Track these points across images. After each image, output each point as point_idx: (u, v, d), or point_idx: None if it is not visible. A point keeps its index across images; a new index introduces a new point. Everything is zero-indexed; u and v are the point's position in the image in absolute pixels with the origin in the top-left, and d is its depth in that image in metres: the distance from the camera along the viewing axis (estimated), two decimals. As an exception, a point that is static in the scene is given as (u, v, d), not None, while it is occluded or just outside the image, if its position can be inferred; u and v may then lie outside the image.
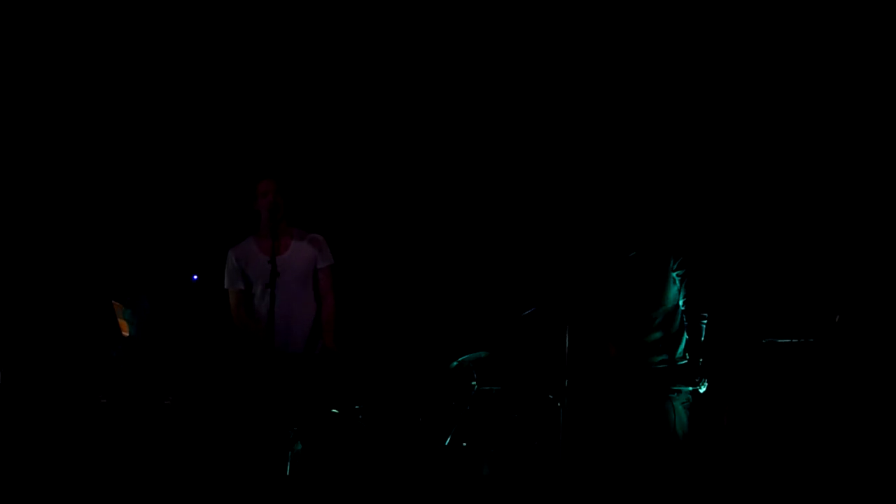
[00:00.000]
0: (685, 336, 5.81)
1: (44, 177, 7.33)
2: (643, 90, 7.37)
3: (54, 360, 6.19)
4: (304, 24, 7.47)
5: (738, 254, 7.08)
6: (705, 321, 5.74)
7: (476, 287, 7.60)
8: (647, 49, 7.29)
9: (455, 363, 6.73)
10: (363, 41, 7.51)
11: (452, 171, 7.68)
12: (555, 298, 6.58)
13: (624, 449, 5.74)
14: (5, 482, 5.74)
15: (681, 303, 5.79)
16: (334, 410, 6.11)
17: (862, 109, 6.97)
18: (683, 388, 5.74)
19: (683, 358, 5.79)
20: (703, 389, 5.72)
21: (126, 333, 6.25)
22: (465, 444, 6.44)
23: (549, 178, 7.56)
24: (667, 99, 7.33)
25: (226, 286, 6.32)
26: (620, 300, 5.91)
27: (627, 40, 7.29)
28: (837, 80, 7.01)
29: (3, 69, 7.22)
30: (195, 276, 7.21)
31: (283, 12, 7.44)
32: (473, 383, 6.75)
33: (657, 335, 5.79)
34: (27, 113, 7.30)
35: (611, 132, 7.45)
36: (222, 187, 7.45)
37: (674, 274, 5.81)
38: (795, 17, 7.01)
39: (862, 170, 6.96)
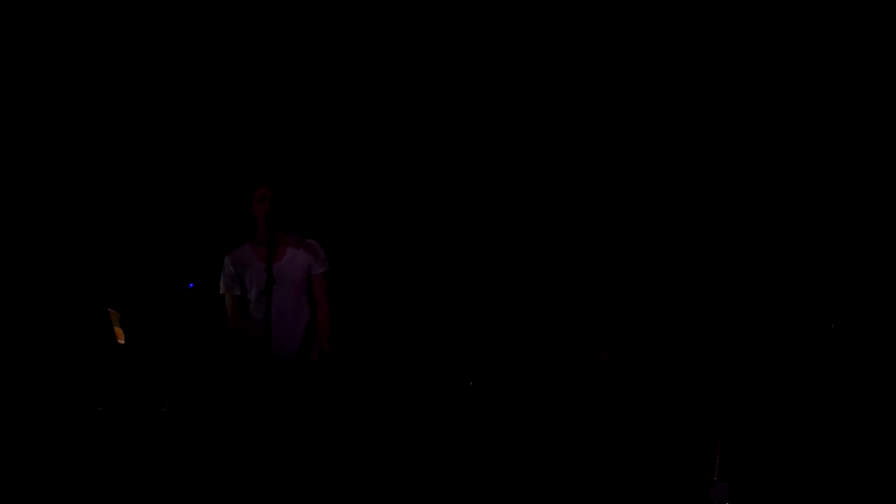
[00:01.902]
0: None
1: (38, 183, 7.32)
2: (643, 87, 7.36)
3: (50, 368, 6.19)
4: (302, 28, 7.47)
5: (734, 260, 7.08)
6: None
7: (472, 291, 7.59)
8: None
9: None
10: (360, 46, 7.51)
11: (450, 176, 7.67)
12: (552, 307, 6.61)
13: (618, 454, 5.75)
14: (1, 492, 5.74)
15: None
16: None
17: (853, 117, 6.96)
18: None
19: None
20: None
21: (122, 341, 6.25)
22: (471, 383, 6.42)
23: (545, 184, 7.56)
24: (657, 101, 7.33)
25: (221, 292, 6.33)
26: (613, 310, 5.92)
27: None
28: (825, 94, 7.01)
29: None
30: (192, 284, 7.22)
31: (279, 15, 7.43)
32: (471, 382, 6.75)
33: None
34: (21, 118, 7.29)
35: (604, 135, 7.44)
36: (220, 194, 7.44)
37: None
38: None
39: (857, 177, 6.96)
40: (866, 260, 6.77)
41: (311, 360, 6.31)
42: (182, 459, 5.89)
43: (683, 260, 6.43)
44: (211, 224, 7.41)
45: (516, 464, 6.24)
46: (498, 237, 7.57)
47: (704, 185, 7.24)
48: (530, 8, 7.32)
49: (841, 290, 6.64)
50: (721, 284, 6.82)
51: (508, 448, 6.35)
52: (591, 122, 7.45)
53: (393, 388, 7.04)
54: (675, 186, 7.22)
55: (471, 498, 6.19)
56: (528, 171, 7.56)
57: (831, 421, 5.92)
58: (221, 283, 6.35)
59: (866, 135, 6.97)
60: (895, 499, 5.72)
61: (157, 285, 7.41)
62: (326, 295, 6.34)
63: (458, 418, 6.63)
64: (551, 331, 6.48)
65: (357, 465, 6.17)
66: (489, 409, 6.51)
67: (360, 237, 7.61)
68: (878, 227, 6.86)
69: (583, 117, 7.46)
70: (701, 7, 7.10)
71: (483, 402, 6.53)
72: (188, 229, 7.55)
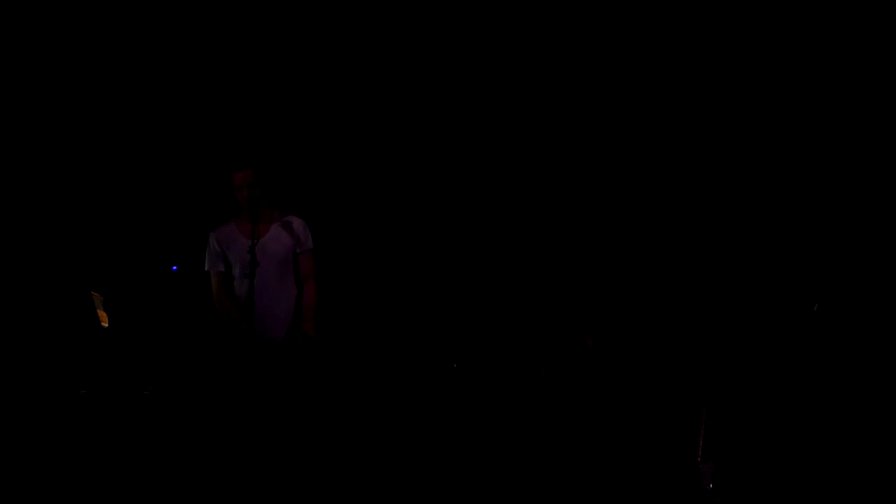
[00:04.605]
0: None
1: (20, 168, 7.29)
2: (634, 89, 7.39)
3: (33, 351, 6.18)
4: (287, 9, 7.44)
5: (718, 241, 7.11)
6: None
7: (457, 274, 7.60)
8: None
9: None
10: (349, 26, 7.48)
11: (436, 160, 7.67)
12: (538, 291, 6.62)
13: (603, 440, 5.78)
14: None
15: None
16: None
17: (841, 104, 7.00)
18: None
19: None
20: None
21: (106, 324, 6.23)
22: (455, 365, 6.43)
23: (530, 169, 7.56)
24: (653, 96, 7.35)
25: (206, 268, 6.34)
26: (598, 295, 5.96)
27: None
28: (813, 82, 7.05)
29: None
30: (175, 267, 7.20)
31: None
32: (454, 364, 6.77)
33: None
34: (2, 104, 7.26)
35: (585, 124, 7.46)
36: (204, 176, 7.43)
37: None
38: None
39: (839, 159, 6.99)
40: (846, 244, 6.82)
41: (297, 343, 6.31)
42: (166, 442, 5.89)
43: (666, 244, 6.44)
44: (194, 206, 7.40)
45: (502, 446, 6.26)
46: (483, 221, 7.57)
47: (685, 172, 7.26)
48: (525, 7, 7.32)
49: (822, 272, 6.68)
50: (704, 268, 6.84)
51: (493, 430, 6.38)
52: (573, 112, 7.46)
53: (377, 370, 7.06)
54: (657, 173, 7.24)
55: (457, 479, 6.21)
56: (513, 157, 7.57)
57: (816, 402, 5.96)
58: (206, 260, 6.35)
59: (842, 130, 7.02)
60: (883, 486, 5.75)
61: (140, 268, 7.38)
62: (313, 273, 6.34)
63: (442, 401, 6.65)
64: (536, 314, 6.49)
65: (339, 449, 6.18)
66: (473, 392, 6.54)
67: (347, 218, 7.60)
68: (858, 212, 6.91)
69: (564, 109, 7.48)
70: (701, 7, 7.12)
71: (467, 385, 6.56)
72: (171, 212, 7.52)
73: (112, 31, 7.32)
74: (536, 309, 6.52)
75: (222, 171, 6.43)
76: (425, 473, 6.20)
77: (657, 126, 7.35)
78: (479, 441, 6.40)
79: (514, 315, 6.90)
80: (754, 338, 6.04)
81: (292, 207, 6.48)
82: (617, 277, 6.52)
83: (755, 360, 6.09)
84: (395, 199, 7.67)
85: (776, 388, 6.03)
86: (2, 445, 5.80)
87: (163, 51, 7.41)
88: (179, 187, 7.53)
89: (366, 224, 7.65)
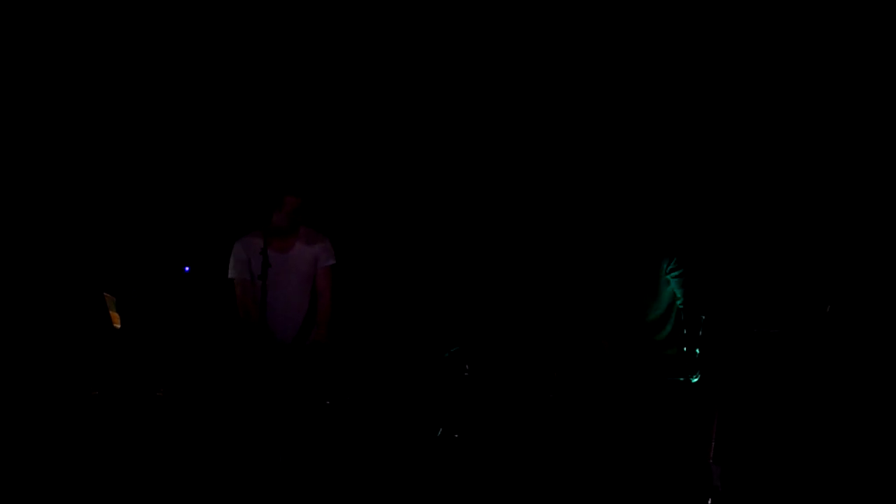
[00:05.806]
0: (681, 333, 5.88)
1: (35, 169, 7.32)
2: (634, 89, 7.38)
3: (46, 352, 6.20)
4: (310, 22, 7.46)
5: (729, 244, 7.10)
6: (703, 318, 5.83)
7: (472, 279, 7.61)
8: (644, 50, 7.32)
9: (447, 353, 6.76)
10: (366, 40, 7.50)
11: (453, 165, 7.68)
12: (548, 294, 6.63)
13: (617, 442, 5.78)
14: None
15: (678, 302, 5.87)
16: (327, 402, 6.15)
17: (847, 104, 6.99)
18: (677, 379, 5.81)
19: (680, 353, 5.85)
20: (695, 380, 5.81)
21: (118, 325, 6.25)
22: (456, 436, 6.47)
23: (544, 176, 7.57)
24: (654, 96, 7.34)
25: (230, 276, 6.43)
26: (614, 298, 5.96)
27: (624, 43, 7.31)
28: (819, 80, 7.03)
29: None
30: (187, 268, 7.22)
31: (286, 12, 7.42)
32: (465, 369, 6.77)
33: (657, 335, 5.85)
34: (13, 99, 7.27)
35: (604, 130, 7.46)
36: (215, 180, 7.46)
37: (668, 276, 5.87)
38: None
39: (849, 161, 6.99)
40: (857, 246, 6.81)
41: (306, 345, 6.37)
42: (177, 443, 5.91)
43: (679, 248, 6.43)
44: (206, 209, 7.43)
45: (514, 450, 6.26)
46: (499, 227, 7.59)
47: (698, 177, 7.27)
48: (536, 10, 7.33)
49: (834, 274, 6.67)
50: (718, 274, 6.85)
51: (505, 434, 6.38)
52: (590, 116, 7.47)
53: (387, 372, 7.07)
54: (670, 178, 7.24)
55: (468, 482, 6.21)
56: (525, 161, 7.58)
57: (828, 404, 5.95)
58: (231, 269, 6.44)
59: (851, 133, 7.01)
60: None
61: (152, 269, 7.41)
62: (329, 286, 6.48)
63: (454, 403, 6.66)
64: (552, 318, 6.50)
65: (349, 451, 6.19)
66: (485, 395, 6.54)
67: (360, 222, 7.63)
68: (869, 213, 6.91)
69: (582, 113, 7.48)
70: (701, 7, 7.12)
71: (480, 389, 6.57)
72: (184, 214, 7.55)
73: (146, 39, 7.38)
74: (551, 312, 6.52)
75: (234, 176, 6.46)
76: (435, 476, 6.21)
77: (671, 131, 7.35)
78: (491, 444, 6.40)
79: (527, 318, 6.91)
80: (765, 340, 6.03)
81: (313, 221, 6.56)
82: (633, 283, 6.49)
83: (768, 363, 6.08)
84: (410, 202, 7.69)
85: (789, 390, 6.03)
86: (15, 446, 5.82)
87: (184, 61, 7.46)
88: (192, 189, 7.55)
89: (380, 227, 7.67)
